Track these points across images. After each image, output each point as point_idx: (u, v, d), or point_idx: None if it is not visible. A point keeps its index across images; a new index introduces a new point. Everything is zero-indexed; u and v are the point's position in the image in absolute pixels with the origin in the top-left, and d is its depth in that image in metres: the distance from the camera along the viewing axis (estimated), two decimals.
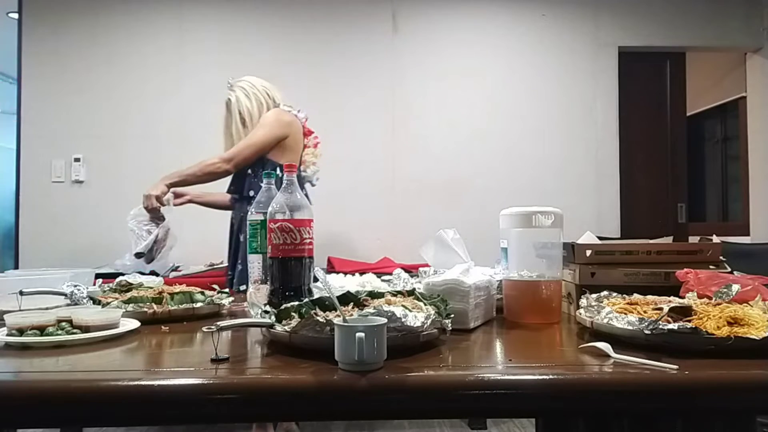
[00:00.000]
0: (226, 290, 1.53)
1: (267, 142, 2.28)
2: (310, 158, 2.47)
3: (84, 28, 3.62)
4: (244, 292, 1.62)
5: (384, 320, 0.82)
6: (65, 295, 1.35)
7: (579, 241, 1.40)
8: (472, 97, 3.76)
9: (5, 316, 1.05)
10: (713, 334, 0.87)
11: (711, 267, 1.29)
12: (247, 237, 1.34)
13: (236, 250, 2.40)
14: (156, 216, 2.21)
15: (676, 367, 0.79)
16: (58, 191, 3.55)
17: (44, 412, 0.78)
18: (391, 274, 1.48)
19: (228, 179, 2.40)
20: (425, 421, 3.04)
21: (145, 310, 1.25)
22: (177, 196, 2.37)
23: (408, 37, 3.74)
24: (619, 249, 1.35)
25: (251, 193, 2.30)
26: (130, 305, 1.26)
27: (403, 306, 0.96)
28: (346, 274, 1.72)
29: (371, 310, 0.90)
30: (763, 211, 3.94)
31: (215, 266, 3.04)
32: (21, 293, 1.26)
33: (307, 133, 2.50)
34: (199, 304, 1.33)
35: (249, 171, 2.33)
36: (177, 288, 1.41)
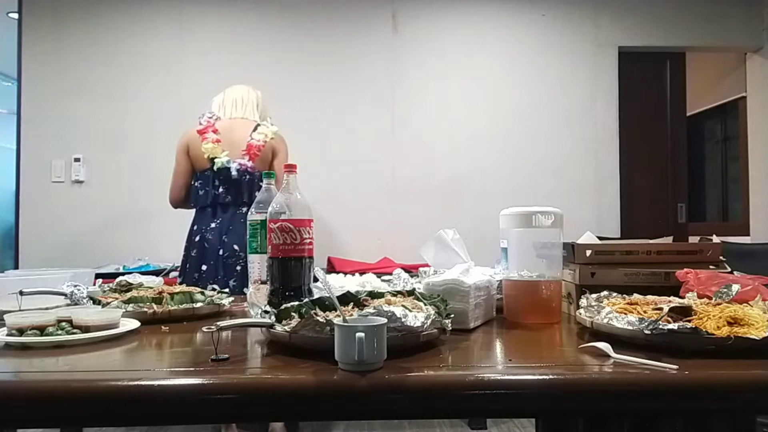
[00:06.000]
0: (226, 290, 1.53)
1: (178, 166, 2.55)
2: (208, 153, 2.47)
3: (84, 28, 3.62)
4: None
5: (384, 320, 0.82)
6: (65, 295, 1.35)
7: (579, 241, 1.40)
8: (472, 97, 3.76)
9: (5, 316, 1.05)
10: (713, 334, 0.87)
11: (711, 267, 1.29)
12: (247, 237, 1.34)
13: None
14: None
15: (676, 367, 0.79)
16: (58, 191, 3.55)
17: (44, 412, 0.78)
18: (391, 274, 1.48)
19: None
20: (425, 421, 3.04)
21: (145, 310, 1.25)
22: None
23: (408, 37, 3.74)
24: (619, 249, 1.35)
25: (192, 204, 2.57)
26: (130, 305, 1.26)
27: (403, 306, 0.96)
28: (346, 274, 1.72)
29: (371, 310, 0.90)
30: (763, 211, 3.93)
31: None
32: (21, 293, 1.26)
33: (203, 131, 2.51)
34: (199, 304, 1.33)
35: (193, 183, 2.55)
36: (177, 288, 1.41)
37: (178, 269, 2.60)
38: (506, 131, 3.75)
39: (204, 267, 2.42)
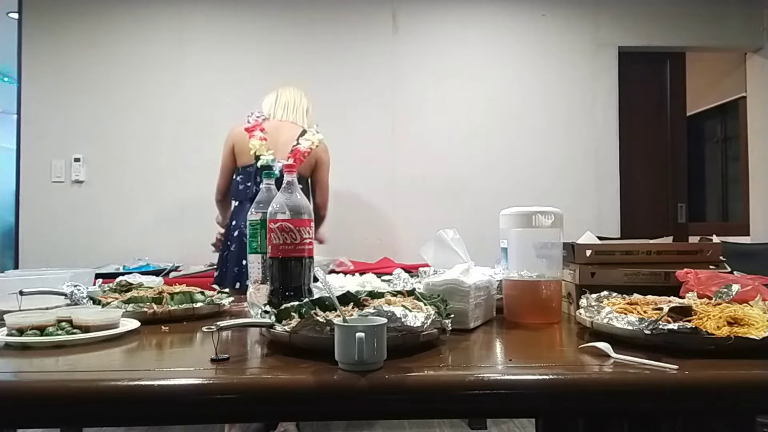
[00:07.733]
0: (227, 290, 1.53)
1: (223, 162, 2.67)
2: (255, 149, 2.58)
3: (84, 28, 3.62)
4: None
5: (384, 320, 0.82)
6: (65, 295, 1.35)
7: (579, 241, 1.40)
8: (472, 97, 3.75)
9: (5, 316, 1.05)
10: (713, 334, 0.87)
11: (711, 267, 1.29)
12: (247, 237, 1.34)
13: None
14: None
15: (676, 367, 0.79)
16: (58, 191, 3.55)
17: (44, 412, 0.78)
18: (391, 274, 1.48)
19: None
20: (425, 421, 3.03)
21: (145, 310, 1.25)
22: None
23: (408, 37, 3.74)
24: (619, 249, 1.35)
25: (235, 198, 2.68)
26: (130, 305, 1.26)
27: (403, 306, 0.96)
28: (346, 274, 1.72)
29: (371, 310, 0.90)
30: (763, 211, 3.93)
31: (215, 266, 3.04)
32: (21, 293, 1.26)
33: (251, 129, 2.61)
34: (199, 304, 1.34)
35: (234, 177, 2.66)
36: (177, 288, 1.41)
37: (215, 264, 2.68)
38: (506, 131, 3.75)
39: (244, 262, 2.46)
